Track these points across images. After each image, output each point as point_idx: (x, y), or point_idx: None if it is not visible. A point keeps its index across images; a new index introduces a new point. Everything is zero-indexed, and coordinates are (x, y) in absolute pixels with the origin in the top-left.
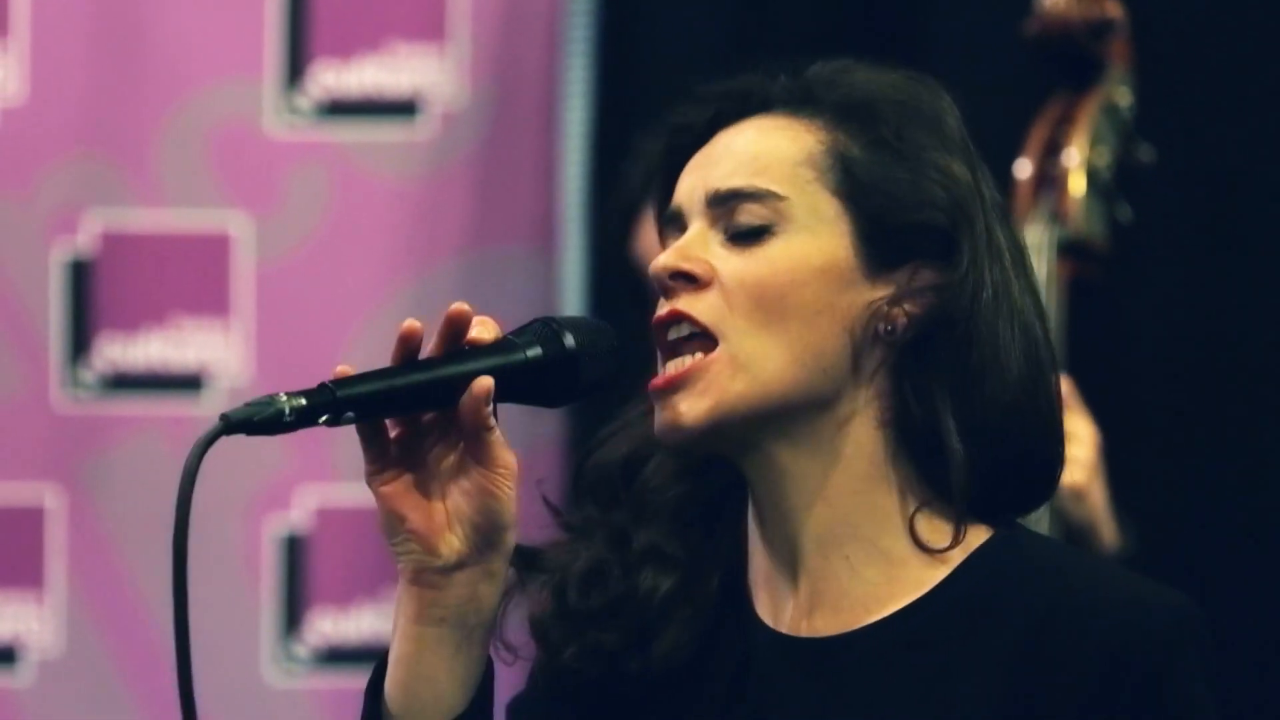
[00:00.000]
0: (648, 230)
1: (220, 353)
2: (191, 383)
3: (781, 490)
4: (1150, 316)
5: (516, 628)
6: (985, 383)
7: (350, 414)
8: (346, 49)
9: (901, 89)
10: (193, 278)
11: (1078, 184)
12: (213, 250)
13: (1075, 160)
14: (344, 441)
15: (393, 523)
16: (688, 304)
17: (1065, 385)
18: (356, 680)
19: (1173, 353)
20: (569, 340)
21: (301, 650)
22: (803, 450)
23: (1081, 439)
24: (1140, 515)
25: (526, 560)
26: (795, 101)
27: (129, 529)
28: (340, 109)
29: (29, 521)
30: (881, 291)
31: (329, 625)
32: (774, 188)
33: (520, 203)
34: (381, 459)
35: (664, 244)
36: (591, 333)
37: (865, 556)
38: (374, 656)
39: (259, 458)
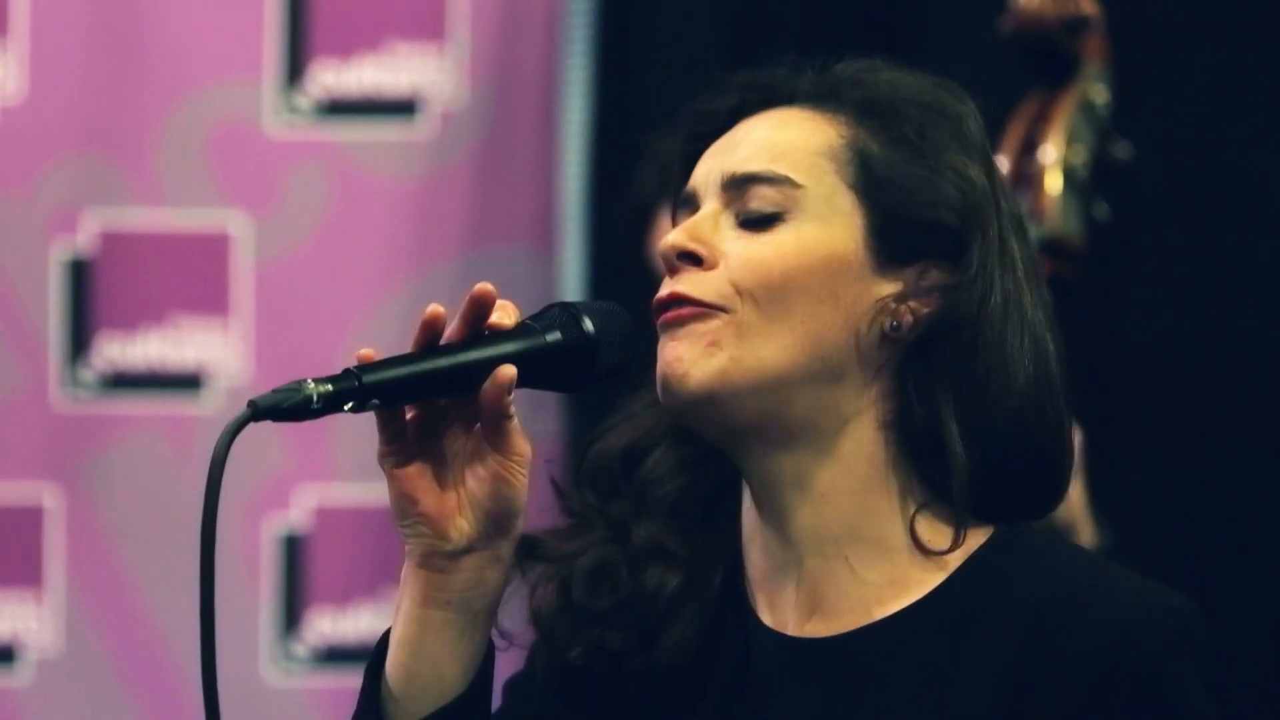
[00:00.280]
0: (662, 230)
1: (219, 352)
2: (190, 382)
3: (782, 491)
4: (1128, 315)
5: (512, 613)
6: (990, 389)
7: (376, 401)
8: (346, 49)
9: (926, 91)
10: (192, 277)
11: (1054, 182)
12: (212, 249)
13: (1051, 158)
14: (343, 440)
15: (404, 505)
16: (690, 285)
17: None
18: (355, 680)
19: (1151, 351)
20: (588, 325)
21: (300, 649)
22: (804, 451)
23: None
24: (1118, 514)
25: (527, 549)
26: (820, 96)
27: (128, 528)
28: (340, 108)
29: (28, 521)
30: (889, 288)
31: (328, 624)
32: (790, 174)
33: (519, 202)
34: (397, 440)
35: (675, 224)
36: (609, 318)
37: (865, 558)
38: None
39: (258, 457)
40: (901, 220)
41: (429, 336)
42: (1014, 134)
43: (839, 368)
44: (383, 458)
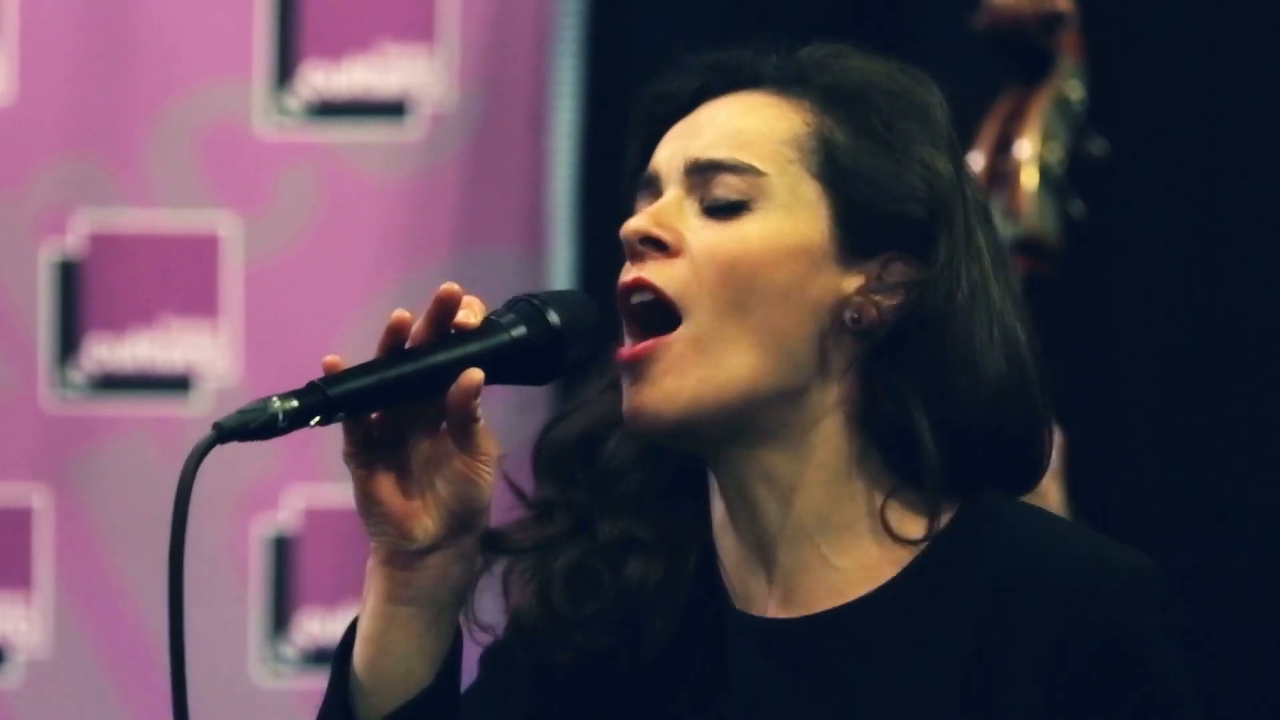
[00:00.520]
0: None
1: (208, 353)
2: (180, 383)
3: (751, 485)
4: (1104, 313)
5: (487, 605)
6: (959, 383)
7: (342, 414)
8: (336, 49)
9: (894, 79)
10: (181, 278)
11: (1030, 179)
12: (201, 250)
13: (1027, 155)
14: (331, 442)
15: (368, 505)
16: (654, 272)
17: None
18: None
19: (1128, 349)
20: (553, 318)
21: (289, 650)
22: (773, 447)
23: None
24: (1097, 514)
25: (490, 543)
26: (785, 80)
27: (117, 529)
28: (329, 109)
29: (17, 522)
30: (854, 281)
31: (316, 626)
32: (755, 163)
33: (509, 203)
34: (362, 441)
35: (635, 208)
36: (574, 308)
37: (837, 546)
38: None
39: (247, 458)
40: (868, 213)
41: (394, 341)
42: (989, 131)
43: (802, 363)
44: (348, 457)
